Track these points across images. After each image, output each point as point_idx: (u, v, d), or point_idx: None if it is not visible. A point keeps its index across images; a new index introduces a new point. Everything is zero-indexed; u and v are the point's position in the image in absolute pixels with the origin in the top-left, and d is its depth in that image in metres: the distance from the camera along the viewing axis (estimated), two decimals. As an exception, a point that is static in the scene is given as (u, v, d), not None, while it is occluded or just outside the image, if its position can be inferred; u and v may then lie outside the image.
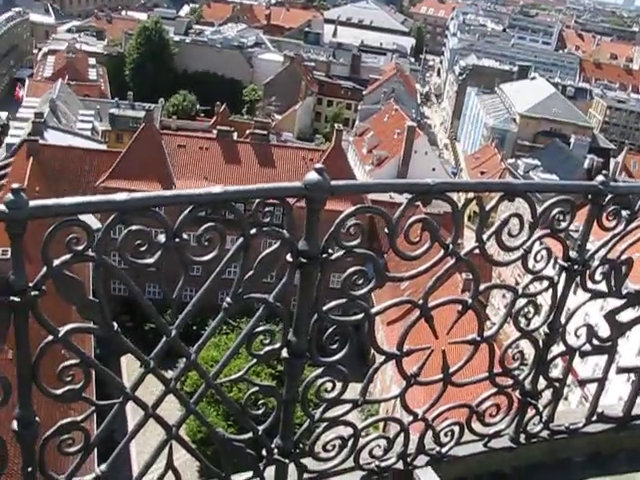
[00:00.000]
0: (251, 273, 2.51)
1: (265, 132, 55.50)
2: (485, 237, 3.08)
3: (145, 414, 2.69)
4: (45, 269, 2.16)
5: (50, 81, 73.12)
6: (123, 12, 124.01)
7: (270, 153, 52.98)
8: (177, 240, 2.30)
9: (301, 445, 3.39)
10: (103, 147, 57.23)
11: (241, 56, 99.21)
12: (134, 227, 2.21)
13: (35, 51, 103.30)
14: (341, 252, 2.69)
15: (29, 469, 2.52)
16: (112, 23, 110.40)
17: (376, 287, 2.85)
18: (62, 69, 77.97)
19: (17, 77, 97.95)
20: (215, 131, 56.54)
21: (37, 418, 2.46)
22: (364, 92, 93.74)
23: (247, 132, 57.92)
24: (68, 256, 2.19)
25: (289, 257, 2.59)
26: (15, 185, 2.05)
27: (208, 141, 53.24)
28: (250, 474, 3.16)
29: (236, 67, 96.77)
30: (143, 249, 2.26)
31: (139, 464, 28.33)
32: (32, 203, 2.06)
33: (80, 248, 2.19)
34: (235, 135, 56.71)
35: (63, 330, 2.31)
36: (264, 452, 3.15)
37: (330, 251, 2.65)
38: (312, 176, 2.48)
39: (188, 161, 51.06)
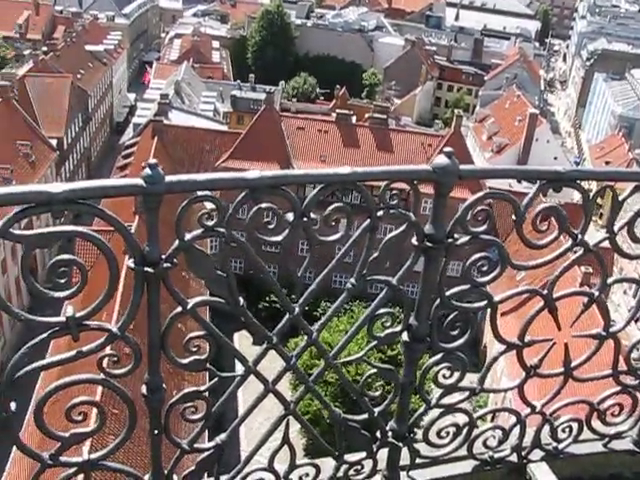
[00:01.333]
0: (376, 255, 2.51)
1: (384, 116, 55.34)
2: (616, 228, 2.96)
3: (265, 389, 2.75)
4: (177, 242, 2.24)
5: (176, 64, 75.56)
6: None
7: (388, 137, 52.81)
8: (305, 219, 2.32)
9: (415, 430, 3.39)
10: (224, 128, 58.62)
11: (361, 40, 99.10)
12: (264, 204, 2.25)
13: (163, 35, 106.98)
14: (467, 237, 2.64)
15: (155, 432, 2.63)
16: (236, 7, 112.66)
17: (500, 275, 2.80)
18: (187, 52, 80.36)
19: (145, 60, 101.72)
20: (334, 114, 56.87)
21: (164, 385, 2.56)
22: (486, 77, 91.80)
23: (366, 116, 57.97)
24: (199, 231, 2.26)
25: (414, 241, 2.58)
26: (152, 160, 2.13)
27: (327, 124, 53.62)
28: (363, 455, 3.18)
29: (356, 51, 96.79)
30: (271, 227, 2.30)
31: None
32: (168, 178, 2.13)
33: (211, 223, 2.25)
34: (354, 119, 56.82)
35: (191, 302, 2.38)
36: (378, 434, 3.16)
37: (456, 236, 2.62)
38: (441, 160, 2.45)
39: (306, 143, 51.63)
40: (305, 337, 2.71)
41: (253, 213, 2.26)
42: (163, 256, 2.23)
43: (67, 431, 2.50)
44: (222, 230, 2.26)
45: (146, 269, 2.20)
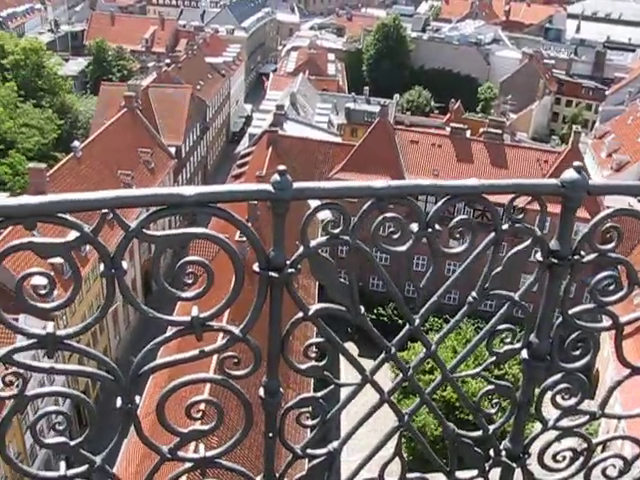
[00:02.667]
0: (499, 269, 2.47)
1: (499, 131, 54.38)
2: None
3: (380, 399, 2.75)
4: (302, 249, 2.27)
5: (292, 75, 76.89)
6: (363, 9, 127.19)
7: (503, 153, 51.84)
8: (430, 230, 2.32)
9: (529, 451, 3.29)
10: (338, 140, 59.10)
11: (478, 53, 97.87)
12: (389, 214, 2.25)
13: (280, 47, 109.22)
14: (594, 255, 2.56)
15: (270, 435, 2.67)
16: (352, 20, 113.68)
17: (627, 295, 2.69)
18: (303, 64, 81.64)
19: (262, 72, 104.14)
20: (448, 128, 56.33)
21: (281, 389, 2.60)
22: (607, 92, 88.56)
23: (480, 130, 57.14)
24: (324, 238, 2.29)
25: (539, 256, 2.52)
26: (281, 167, 2.17)
27: (441, 138, 53.19)
28: (474, 473, 3.12)
29: (472, 64, 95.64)
30: (396, 237, 2.31)
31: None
32: (296, 185, 2.17)
33: (336, 231, 2.27)
34: (468, 133, 56.13)
35: (313, 308, 2.41)
36: (491, 453, 3.10)
37: (582, 253, 2.54)
38: (570, 174, 2.39)
39: (419, 157, 51.38)
40: (423, 349, 2.70)
41: (378, 222, 2.27)
42: (288, 262, 2.26)
43: (186, 427, 2.58)
44: (347, 238, 2.28)
45: (271, 274, 2.24)
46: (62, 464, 2.53)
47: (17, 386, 2.33)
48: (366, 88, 78.14)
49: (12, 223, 2.05)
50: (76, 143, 51.27)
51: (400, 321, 40.43)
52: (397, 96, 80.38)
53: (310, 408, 2.73)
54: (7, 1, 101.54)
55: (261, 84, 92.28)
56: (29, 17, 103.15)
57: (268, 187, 2.15)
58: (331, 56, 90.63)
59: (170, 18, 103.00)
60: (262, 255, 2.24)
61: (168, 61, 73.88)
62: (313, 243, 2.27)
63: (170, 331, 2.38)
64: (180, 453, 2.61)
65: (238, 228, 2.17)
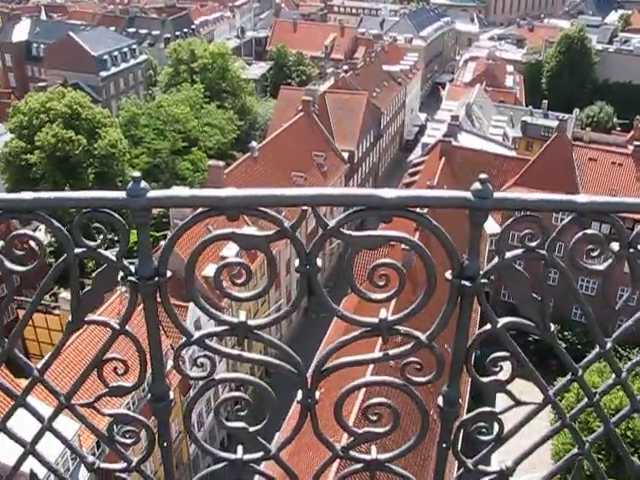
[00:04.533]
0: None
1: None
2: None
3: (561, 423, 2.64)
4: (497, 260, 2.22)
5: (468, 86, 75.93)
6: (545, 20, 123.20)
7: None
8: (631, 250, 2.19)
9: None
10: (512, 153, 57.67)
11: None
12: (589, 231, 2.16)
13: (457, 58, 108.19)
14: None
15: (444, 445, 2.63)
16: (533, 31, 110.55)
17: None
18: (480, 75, 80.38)
19: (438, 81, 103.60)
20: (631, 147, 53.35)
21: (460, 400, 2.55)
22: None
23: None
24: (520, 250, 2.23)
25: None
26: (483, 175, 2.14)
27: (622, 157, 50.52)
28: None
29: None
30: (594, 254, 2.21)
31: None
32: (496, 195, 2.13)
33: (533, 244, 2.21)
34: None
35: (502, 322, 2.35)
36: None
37: None
38: None
39: (597, 176, 49.09)
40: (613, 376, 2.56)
41: (577, 239, 2.18)
42: (481, 271, 2.22)
43: (360, 427, 2.60)
44: (543, 252, 2.21)
45: (463, 282, 2.21)
46: (239, 448, 2.63)
47: (206, 369, 2.45)
48: (544, 101, 75.74)
49: (216, 213, 2.15)
50: (253, 143, 53.43)
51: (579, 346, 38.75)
52: (577, 111, 77.15)
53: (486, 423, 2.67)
54: (201, 10, 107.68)
55: (436, 93, 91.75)
56: (219, 24, 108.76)
57: (468, 195, 2.13)
58: (509, 67, 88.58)
59: (350, 26, 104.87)
60: (456, 263, 2.21)
61: (346, 68, 75.27)
62: (508, 255, 2.21)
63: (356, 331, 2.40)
64: (352, 453, 2.63)
65: (435, 234, 2.16)
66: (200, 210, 2.12)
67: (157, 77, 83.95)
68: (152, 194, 2.10)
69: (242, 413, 2.55)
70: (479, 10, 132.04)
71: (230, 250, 37.96)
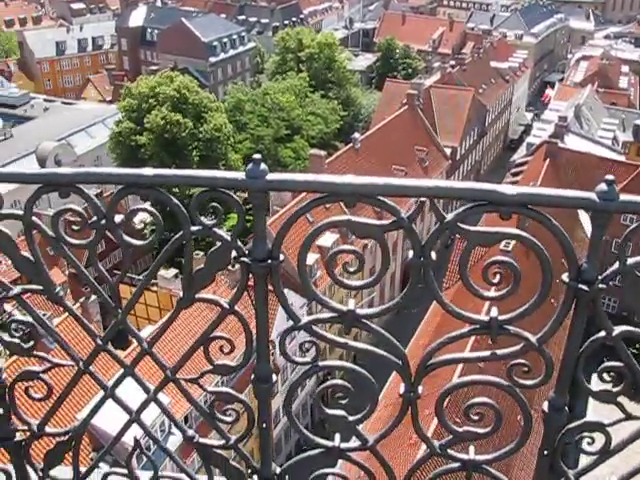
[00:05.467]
0: None
1: None
2: None
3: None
4: (617, 265, 2.14)
5: (579, 86, 73.56)
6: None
7: None
8: None
9: None
10: (622, 158, 55.54)
11: None
12: None
13: (569, 56, 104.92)
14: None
15: (545, 452, 2.56)
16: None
17: None
18: (592, 75, 77.65)
19: (547, 80, 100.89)
20: None
21: (567, 407, 2.48)
22: None
23: None
24: (644, 257, 2.14)
25: None
26: (609, 176, 2.06)
27: None
28: None
29: None
30: None
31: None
32: (622, 197, 2.05)
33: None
34: None
35: (618, 330, 2.26)
36: None
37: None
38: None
39: None
40: None
41: None
42: (599, 276, 2.14)
43: (461, 426, 2.55)
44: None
45: (580, 286, 2.14)
46: (337, 436, 2.63)
47: (311, 355, 2.46)
48: (661, 105, 72.63)
49: (334, 200, 2.15)
50: (356, 135, 53.49)
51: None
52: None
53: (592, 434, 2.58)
54: (311, 0, 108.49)
55: (544, 93, 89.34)
56: (327, 14, 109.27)
57: (592, 196, 2.05)
58: (625, 68, 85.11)
59: (459, 20, 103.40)
60: (574, 266, 2.14)
61: (453, 62, 74.23)
62: (631, 261, 2.12)
63: (464, 329, 2.36)
64: (450, 451, 2.59)
65: (555, 235, 2.09)
66: (318, 195, 2.12)
67: (264, 65, 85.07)
68: (271, 177, 2.12)
69: (343, 402, 2.55)
70: (595, 7, 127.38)
71: (325, 240, 38.10)
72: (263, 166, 2.11)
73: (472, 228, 2.12)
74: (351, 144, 51.71)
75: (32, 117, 68.64)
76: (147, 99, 55.05)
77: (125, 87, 60.34)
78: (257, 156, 2.13)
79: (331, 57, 75.05)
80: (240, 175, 2.13)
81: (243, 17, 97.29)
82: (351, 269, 2.28)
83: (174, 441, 23.70)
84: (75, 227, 2.31)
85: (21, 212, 2.36)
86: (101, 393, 2.70)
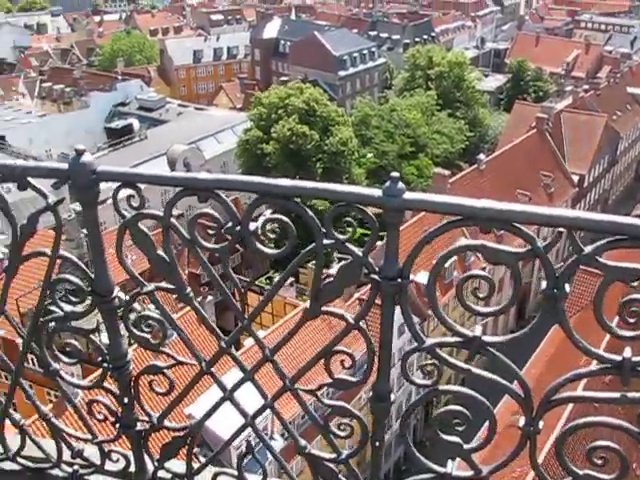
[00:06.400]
0: None
1: None
2: None
3: None
4: None
5: None
6: None
7: None
8: None
9: None
10: None
11: None
12: None
13: None
14: None
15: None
16: None
17: None
18: None
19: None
20: None
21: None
22: None
23: None
24: None
25: None
26: None
27: None
28: None
29: None
30: None
31: None
32: None
33: None
34: None
35: None
36: None
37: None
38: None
39: None
40: None
41: None
42: None
43: (582, 469, 2.45)
44: None
45: None
46: (450, 463, 2.57)
47: (432, 377, 2.43)
48: None
49: (469, 224, 2.11)
50: (481, 156, 52.72)
51: None
52: None
53: None
54: (443, 18, 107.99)
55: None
56: (459, 33, 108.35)
57: None
58: None
59: (596, 43, 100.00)
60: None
61: (586, 87, 71.92)
62: None
63: (593, 366, 2.26)
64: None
65: None
66: (454, 218, 2.09)
67: (392, 81, 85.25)
68: (408, 196, 2.11)
69: (460, 428, 2.49)
70: None
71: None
72: (400, 185, 2.10)
73: (611, 263, 2.03)
74: (476, 165, 51.01)
75: (166, 121, 71.68)
76: (276, 109, 56.30)
77: (255, 96, 61.95)
78: (395, 174, 2.12)
79: (460, 76, 74.34)
80: (377, 192, 2.13)
81: (375, 33, 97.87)
82: (481, 295, 2.24)
83: (275, 447, 23.95)
84: (210, 232, 2.38)
85: (161, 213, 2.45)
86: (214, 393, 2.75)
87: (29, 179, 2.57)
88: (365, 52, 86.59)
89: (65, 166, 2.49)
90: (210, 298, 35.19)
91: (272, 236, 2.30)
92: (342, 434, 2.68)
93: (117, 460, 3.11)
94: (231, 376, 2.81)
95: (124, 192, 2.47)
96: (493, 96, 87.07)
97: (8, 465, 3.25)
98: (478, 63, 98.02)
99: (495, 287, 2.22)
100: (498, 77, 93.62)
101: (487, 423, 2.48)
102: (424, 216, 36.98)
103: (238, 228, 2.31)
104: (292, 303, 37.14)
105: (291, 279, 38.47)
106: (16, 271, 2.82)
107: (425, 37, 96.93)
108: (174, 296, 2.65)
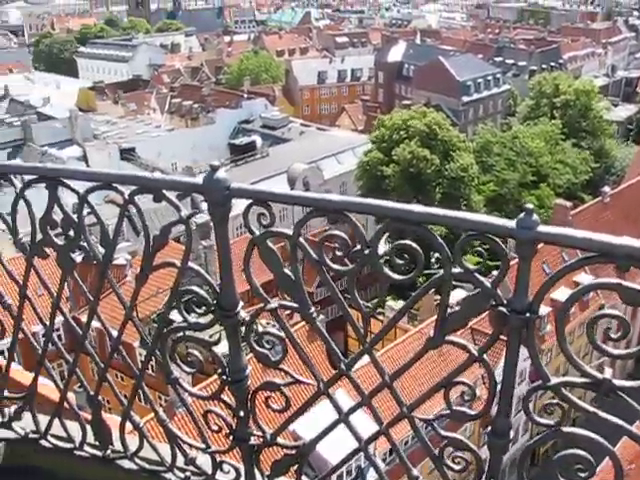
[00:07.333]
0: None
1: None
2: None
3: None
4: None
5: None
6: None
7: None
8: None
9: None
10: None
11: None
12: None
13: None
14: None
15: None
16: None
17: None
18: None
19: None
20: None
21: None
22: None
23: None
24: None
25: None
26: None
27: None
28: None
29: None
30: None
31: None
32: None
33: None
34: None
35: None
36: None
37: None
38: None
39: None
40: None
41: None
42: None
43: None
44: None
45: None
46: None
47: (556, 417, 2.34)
48: None
49: (605, 261, 2.03)
50: (606, 188, 50.87)
51: None
52: None
53: None
54: (572, 45, 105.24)
55: None
56: (588, 60, 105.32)
57: None
58: None
59: None
60: None
61: None
62: None
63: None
64: None
65: None
66: (589, 254, 2.02)
67: (516, 108, 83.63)
68: (542, 229, 2.06)
69: (582, 475, 2.38)
70: None
71: (561, 293, 36.50)
72: (535, 217, 2.05)
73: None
74: (600, 197, 49.20)
75: (288, 139, 73.02)
76: (398, 131, 56.32)
77: (378, 118, 62.21)
78: (530, 206, 2.08)
79: (587, 105, 71.98)
80: (510, 223, 2.08)
81: (500, 59, 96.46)
82: (614, 336, 2.14)
83: (373, 473, 23.81)
84: (338, 253, 2.40)
85: (290, 232, 2.49)
86: (319, 412, 2.74)
87: (164, 192, 2.67)
88: (489, 78, 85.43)
89: (200, 181, 2.56)
90: (322, 317, 35.43)
91: (400, 262, 2.29)
92: (456, 467, 2.62)
93: (228, 471, 3.15)
94: (338, 397, 2.80)
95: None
96: (622, 126, 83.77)
97: (127, 464, 3.36)
98: (608, 92, 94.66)
99: (630, 328, 2.12)
100: (629, 107, 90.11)
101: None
102: (543, 247, 35.89)
103: (367, 252, 2.31)
104: (403, 328, 36.81)
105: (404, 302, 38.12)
106: (146, 279, 2.93)
107: (552, 64, 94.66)
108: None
